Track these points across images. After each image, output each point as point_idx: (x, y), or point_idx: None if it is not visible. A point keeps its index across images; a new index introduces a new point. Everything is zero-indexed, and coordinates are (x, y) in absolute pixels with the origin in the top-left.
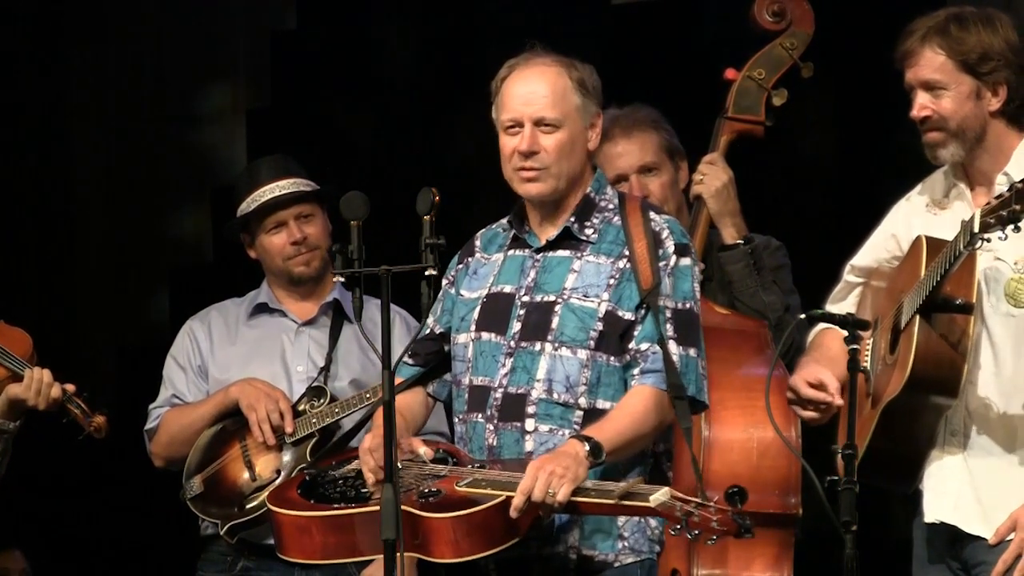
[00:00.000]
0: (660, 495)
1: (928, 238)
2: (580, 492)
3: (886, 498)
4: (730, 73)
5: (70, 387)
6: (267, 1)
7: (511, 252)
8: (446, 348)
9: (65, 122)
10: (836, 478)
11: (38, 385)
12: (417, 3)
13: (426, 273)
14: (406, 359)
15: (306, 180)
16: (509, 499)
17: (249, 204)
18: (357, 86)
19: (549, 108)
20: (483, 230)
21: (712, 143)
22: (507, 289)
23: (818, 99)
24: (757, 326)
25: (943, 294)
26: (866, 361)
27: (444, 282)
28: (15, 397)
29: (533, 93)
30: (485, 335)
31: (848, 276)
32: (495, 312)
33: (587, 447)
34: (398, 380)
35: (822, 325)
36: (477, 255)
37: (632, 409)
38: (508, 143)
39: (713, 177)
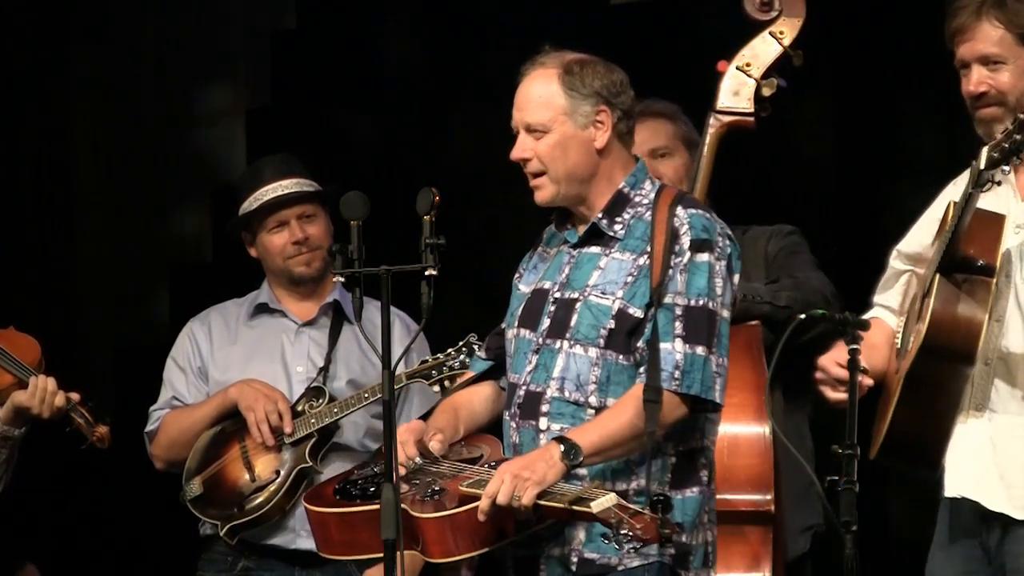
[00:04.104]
0: (604, 501)
1: (954, 203)
2: (545, 496)
3: (886, 498)
4: (722, 65)
5: (75, 396)
6: (267, 1)
7: (562, 247)
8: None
9: (65, 122)
10: (836, 478)
11: (42, 393)
12: (417, 3)
13: (426, 273)
14: (479, 353)
15: (309, 180)
16: None
17: (251, 203)
18: (357, 86)
19: (533, 113)
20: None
21: (702, 137)
22: (546, 285)
23: (818, 98)
24: (746, 325)
25: (965, 254)
26: (898, 341)
27: (515, 276)
28: (19, 404)
29: (521, 98)
30: (523, 331)
31: (894, 263)
32: (532, 308)
33: (562, 448)
34: (469, 374)
35: (873, 312)
36: (540, 249)
37: (623, 408)
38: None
39: None
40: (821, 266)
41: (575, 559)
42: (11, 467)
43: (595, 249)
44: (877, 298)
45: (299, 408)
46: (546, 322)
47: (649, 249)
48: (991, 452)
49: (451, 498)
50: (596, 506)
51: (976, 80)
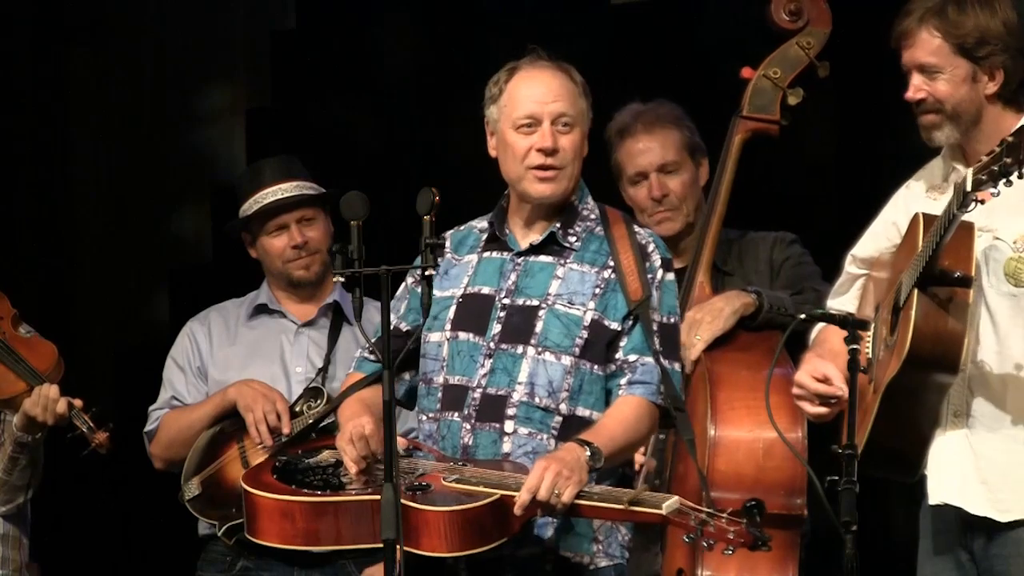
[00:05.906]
0: (672, 503)
1: (924, 214)
2: (584, 495)
3: (886, 498)
4: (746, 72)
5: (77, 402)
6: (267, 1)
7: (486, 254)
8: (409, 346)
9: (65, 122)
10: (836, 478)
11: (44, 400)
12: (417, 3)
13: (426, 273)
14: (367, 355)
15: (309, 183)
16: (505, 497)
17: (251, 205)
18: (357, 86)
19: (568, 105)
20: (451, 231)
21: (727, 142)
22: (485, 290)
23: (819, 99)
24: (769, 332)
25: (941, 267)
26: (868, 350)
27: (409, 280)
28: (25, 412)
29: (549, 92)
30: (462, 335)
31: (849, 267)
32: (473, 312)
33: (588, 451)
34: (359, 375)
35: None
36: (448, 256)
37: (624, 418)
38: (522, 142)
39: (706, 328)
40: (820, 267)
41: (550, 558)
42: (38, 471)
43: (547, 258)
44: (832, 303)
45: (297, 408)
46: (496, 327)
47: (612, 263)
48: (972, 458)
49: (443, 493)
50: (667, 508)
51: (914, 87)
